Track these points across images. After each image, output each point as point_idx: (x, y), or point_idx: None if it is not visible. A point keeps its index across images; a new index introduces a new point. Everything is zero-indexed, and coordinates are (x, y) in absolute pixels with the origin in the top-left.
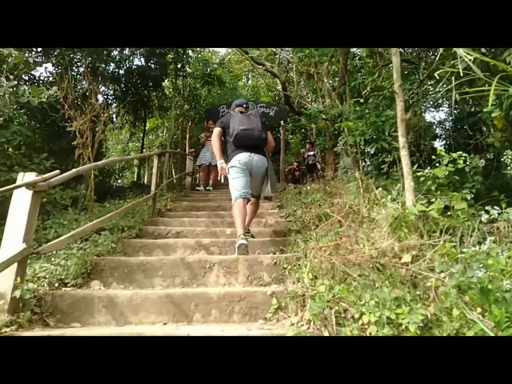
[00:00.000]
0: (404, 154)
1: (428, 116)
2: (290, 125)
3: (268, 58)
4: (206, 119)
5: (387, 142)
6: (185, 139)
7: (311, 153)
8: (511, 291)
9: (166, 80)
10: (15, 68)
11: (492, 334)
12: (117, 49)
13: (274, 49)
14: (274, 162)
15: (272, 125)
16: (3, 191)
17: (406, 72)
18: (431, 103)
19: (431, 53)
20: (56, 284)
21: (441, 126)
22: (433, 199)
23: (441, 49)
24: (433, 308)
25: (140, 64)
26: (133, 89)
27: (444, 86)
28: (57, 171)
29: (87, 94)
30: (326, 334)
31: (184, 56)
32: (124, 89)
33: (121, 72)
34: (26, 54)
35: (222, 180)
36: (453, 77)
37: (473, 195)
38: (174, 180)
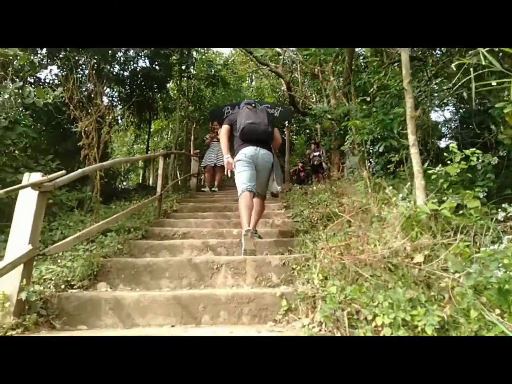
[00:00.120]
0: (414, 152)
1: (433, 116)
2: (295, 126)
3: (272, 58)
4: (211, 120)
5: (395, 140)
6: (189, 141)
7: (317, 153)
8: None
9: (170, 82)
10: (21, 70)
11: None
12: (122, 50)
13: (278, 50)
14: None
15: (277, 126)
16: (9, 191)
17: (413, 70)
18: (437, 102)
19: (437, 50)
20: (63, 286)
21: (446, 125)
22: (444, 198)
23: None
24: (449, 310)
25: (145, 66)
26: (138, 90)
27: (450, 85)
28: (63, 171)
29: (92, 96)
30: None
31: (189, 57)
32: (129, 90)
33: (126, 73)
34: (32, 56)
35: (229, 175)
36: (471, 69)
37: (485, 194)
38: (179, 182)
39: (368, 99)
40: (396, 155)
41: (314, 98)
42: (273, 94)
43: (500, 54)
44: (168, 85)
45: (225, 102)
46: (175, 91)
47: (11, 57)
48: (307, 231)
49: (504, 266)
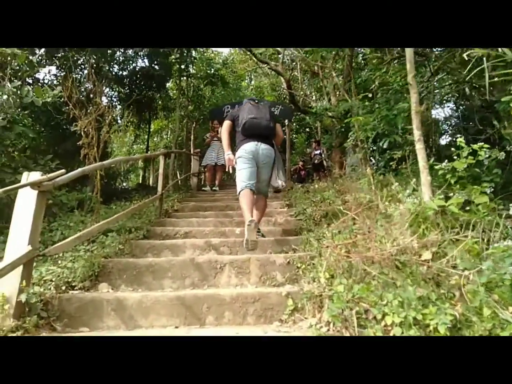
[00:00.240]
0: (419, 148)
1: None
2: (295, 124)
3: (272, 57)
4: (211, 119)
5: (400, 136)
6: (189, 140)
7: (318, 151)
8: None
9: (170, 81)
10: (19, 70)
11: None
12: (121, 50)
13: (278, 48)
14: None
15: (278, 122)
16: (8, 191)
17: (416, 65)
18: (438, 99)
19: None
20: (63, 287)
21: (446, 122)
22: (451, 194)
23: None
24: (461, 308)
25: (144, 65)
26: (137, 90)
27: (451, 82)
28: (63, 171)
29: (91, 95)
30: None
31: (188, 56)
32: (128, 90)
33: (125, 73)
34: (30, 56)
35: (231, 171)
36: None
37: (492, 189)
38: (180, 181)
39: (370, 95)
40: (399, 152)
41: (314, 96)
42: (273, 93)
43: None
44: (167, 84)
45: (225, 101)
46: (175, 91)
47: (9, 57)
48: (311, 229)
49: None
